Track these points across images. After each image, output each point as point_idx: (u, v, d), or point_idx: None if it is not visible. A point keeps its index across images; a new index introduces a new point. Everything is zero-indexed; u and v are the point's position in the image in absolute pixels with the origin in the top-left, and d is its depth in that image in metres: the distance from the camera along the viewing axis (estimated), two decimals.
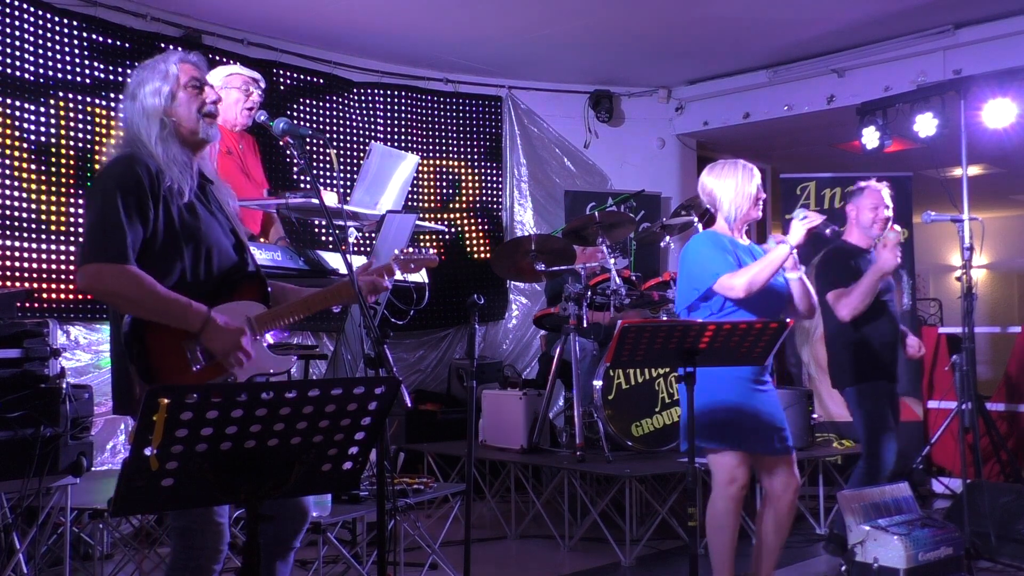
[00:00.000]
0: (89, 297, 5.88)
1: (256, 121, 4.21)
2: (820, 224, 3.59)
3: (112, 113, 6.07)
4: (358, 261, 3.12)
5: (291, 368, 2.83)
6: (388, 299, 4.30)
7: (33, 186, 5.71)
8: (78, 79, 5.95)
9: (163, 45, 6.37)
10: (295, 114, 7.16)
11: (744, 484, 3.59)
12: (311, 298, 2.80)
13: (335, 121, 7.45)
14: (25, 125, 5.69)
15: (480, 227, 8.21)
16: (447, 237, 7.87)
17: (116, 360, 2.69)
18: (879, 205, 4.61)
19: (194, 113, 2.69)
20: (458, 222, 8.10)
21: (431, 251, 3.17)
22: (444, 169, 8.06)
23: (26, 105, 5.70)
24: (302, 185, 6.93)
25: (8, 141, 5.61)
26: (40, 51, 5.79)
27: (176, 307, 2.52)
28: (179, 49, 2.90)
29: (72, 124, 5.90)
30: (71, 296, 5.79)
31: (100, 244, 2.51)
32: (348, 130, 7.52)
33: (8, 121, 5.62)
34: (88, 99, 5.98)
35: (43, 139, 5.77)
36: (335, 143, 7.42)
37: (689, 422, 3.31)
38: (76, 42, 5.96)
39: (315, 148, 7.15)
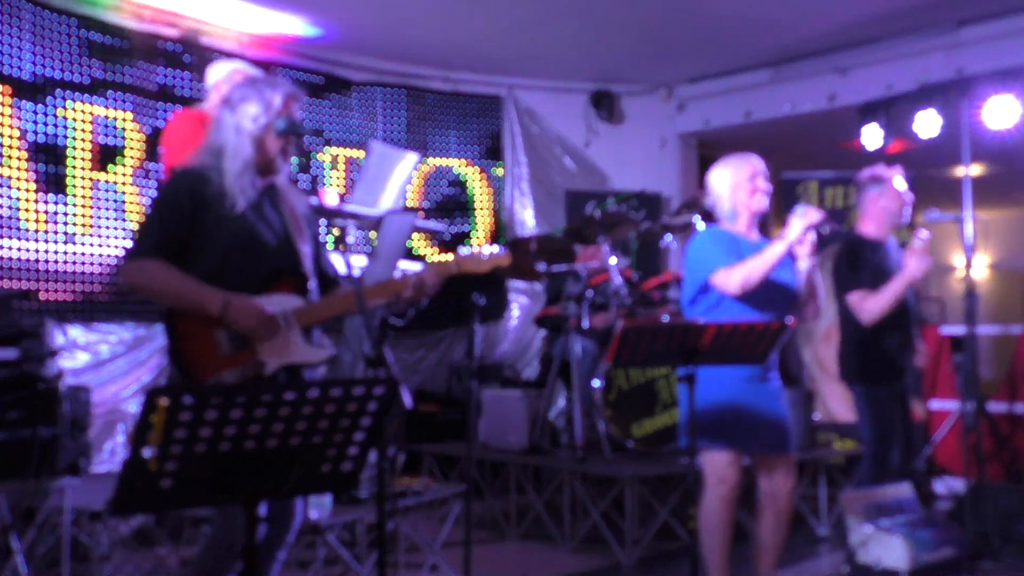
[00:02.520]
0: (88, 299, 5.87)
1: None
2: (818, 221, 3.53)
3: (111, 112, 6.06)
4: (358, 261, 3.13)
5: (325, 358, 2.88)
6: None
7: (32, 185, 5.69)
8: (76, 78, 5.93)
9: (161, 44, 6.35)
10: None
11: (734, 485, 3.50)
12: (353, 292, 2.85)
13: (334, 120, 7.43)
14: (23, 124, 5.67)
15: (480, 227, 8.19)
16: (447, 237, 7.84)
17: None
18: (901, 192, 4.52)
19: (277, 149, 2.82)
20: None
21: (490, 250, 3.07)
22: (443, 168, 8.04)
23: (24, 104, 5.68)
24: (300, 185, 6.91)
25: (7, 140, 5.60)
26: (38, 49, 5.77)
27: (194, 294, 2.67)
28: (287, 82, 2.98)
29: (70, 123, 5.88)
30: (70, 296, 5.77)
31: (132, 245, 2.78)
32: (348, 129, 7.50)
33: (7, 120, 5.60)
34: (86, 98, 5.97)
35: (41, 138, 5.75)
36: (334, 143, 7.40)
37: (689, 422, 3.29)
38: (75, 40, 5.94)
39: (313, 147, 7.13)
